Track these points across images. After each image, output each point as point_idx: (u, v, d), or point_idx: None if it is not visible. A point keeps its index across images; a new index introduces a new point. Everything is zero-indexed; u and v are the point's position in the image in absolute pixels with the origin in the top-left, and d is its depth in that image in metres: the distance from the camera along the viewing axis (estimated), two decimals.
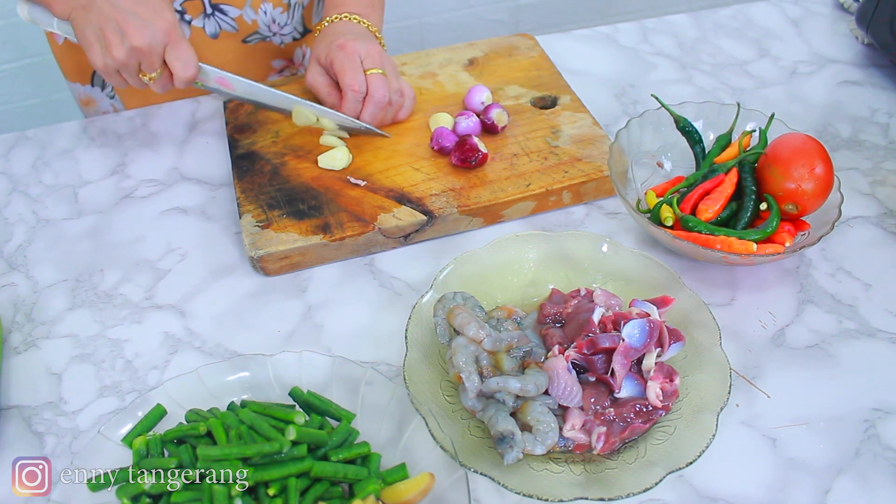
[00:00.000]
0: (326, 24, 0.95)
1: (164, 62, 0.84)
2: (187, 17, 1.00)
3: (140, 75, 0.85)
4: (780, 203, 0.76)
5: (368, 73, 0.89)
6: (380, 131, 0.91)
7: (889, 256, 0.81)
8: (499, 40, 1.06)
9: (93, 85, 1.09)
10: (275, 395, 0.65)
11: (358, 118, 0.90)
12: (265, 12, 1.04)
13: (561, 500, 0.57)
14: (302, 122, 0.92)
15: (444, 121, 0.91)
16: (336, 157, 0.86)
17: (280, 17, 1.06)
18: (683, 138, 0.85)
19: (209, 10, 1.01)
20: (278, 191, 0.84)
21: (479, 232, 0.84)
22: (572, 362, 0.65)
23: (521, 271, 0.76)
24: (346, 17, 0.95)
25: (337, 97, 0.91)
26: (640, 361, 0.65)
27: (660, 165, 0.87)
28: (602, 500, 0.57)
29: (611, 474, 0.60)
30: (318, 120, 0.91)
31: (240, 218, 0.82)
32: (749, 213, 0.78)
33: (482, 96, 0.92)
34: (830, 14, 1.18)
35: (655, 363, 0.65)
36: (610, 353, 0.65)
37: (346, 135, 0.91)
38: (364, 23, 0.96)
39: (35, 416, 0.69)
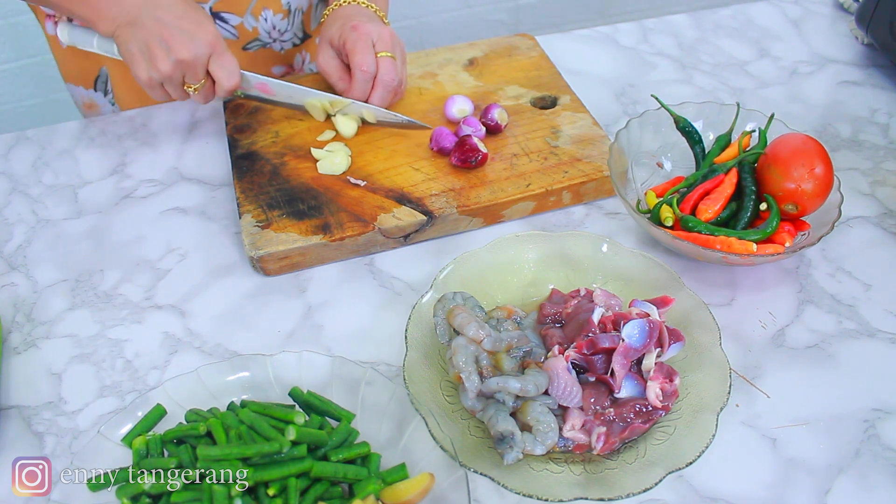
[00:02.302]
0: (335, 7, 0.97)
1: (208, 73, 0.86)
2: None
3: (184, 87, 0.86)
4: (780, 203, 0.76)
5: (379, 55, 0.91)
6: (421, 123, 0.92)
7: (889, 256, 0.81)
8: (499, 40, 1.06)
9: (95, 90, 1.09)
10: (275, 395, 0.65)
11: (366, 101, 0.92)
12: (266, 19, 1.04)
13: (561, 500, 0.57)
14: (319, 117, 0.93)
15: (461, 104, 0.93)
16: (335, 162, 0.86)
17: (280, 24, 1.06)
18: (683, 138, 0.85)
19: None
20: (278, 191, 0.84)
21: (479, 232, 0.84)
22: (572, 362, 0.65)
23: (521, 271, 0.76)
24: (354, 1, 0.97)
25: (348, 81, 0.93)
26: (640, 361, 0.65)
27: (660, 165, 0.87)
28: (602, 500, 0.57)
29: (611, 474, 0.60)
30: (329, 113, 0.93)
31: (240, 218, 0.82)
32: (749, 214, 0.78)
33: (462, 105, 0.93)
34: (830, 14, 1.18)
35: (655, 363, 0.65)
36: (610, 353, 0.65)
37: (354, 126, 0.92)
38: (372, 7, 0.98)
39: (35, 416, 0.69)
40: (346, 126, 0.91)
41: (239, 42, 1.05)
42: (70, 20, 0.91)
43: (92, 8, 0.84)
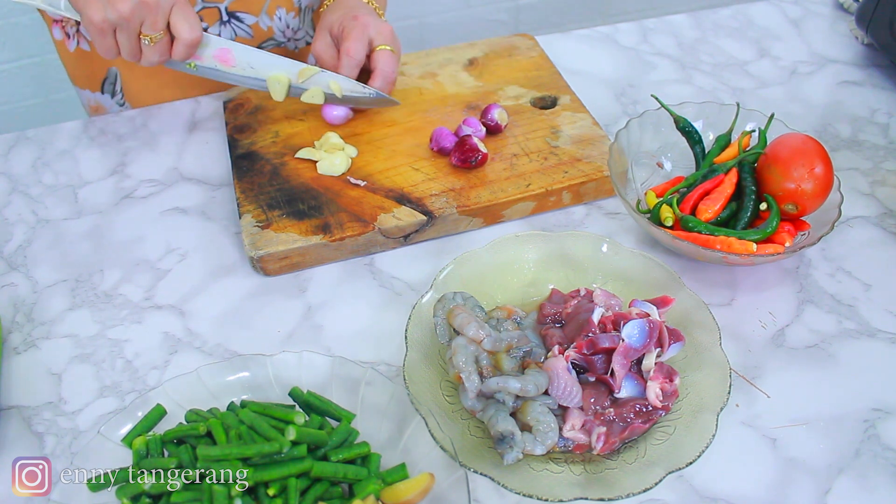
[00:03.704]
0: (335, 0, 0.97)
1: (167, 28, 0.82)
2: (203, 24, 1.00)
3: (140, 35, 0.81)
4: (780, 203, 0.76)
5: (379, 48, 0.91)
6: (390, 97, 0.91)
7: (889, 256, 0.81)
8: (499, 40, 1.06)
9: (102, 92, 1.09)
10: (275, 395, 0.65)
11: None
12: (280, 18, 1.04)
13: (561, 500, 0.57)
14: (278, 96, 0.91)
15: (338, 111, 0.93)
16: (335, 163, 0.86)
17: (293, 22, 1.07)
18: (683, 138, 0.85)
19: (225, 18, 1.01)
20: (278, 191, 0.85)
21: (479, 232, 0.84)
22: (572, 362, 0.65)
23: (521, 271, 0.76)
24: None
25: (337, 71, 0.92)
26: (639, 361, 0.65)
27: (660, 165, 0.87)
28: (602, 500, 0.57)
29: (611, 474, 0.60)
30: (293, 85, 0.91)
31: (240, 218, 0.82)
32: (749, 213, 0.78)
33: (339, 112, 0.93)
34: (830, 14, 1.18)
35: (655, 363, 0.65)
36: (610, 353, 0.65)
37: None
38: (373, 3, 0.98)
39: (35, 416, 0.69)
40: (315, 98, 0.89)
41: (253, 41, 1.05)
42: (58, 22, 0.89)
43: None
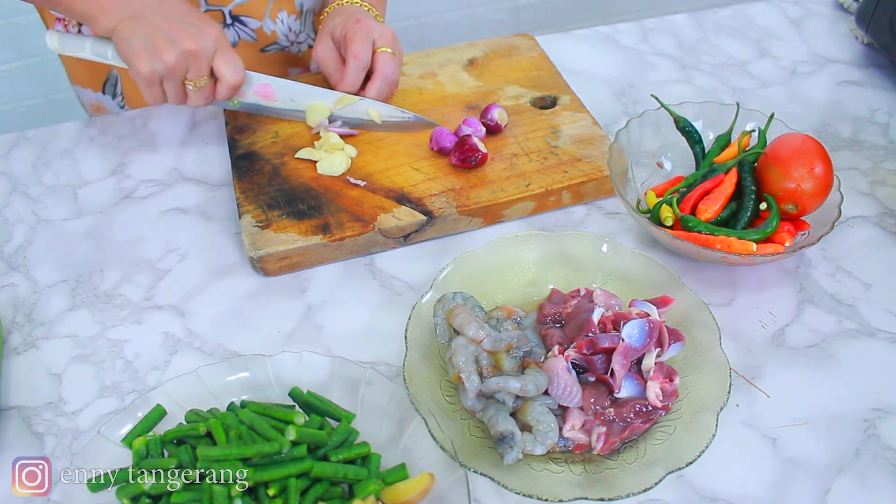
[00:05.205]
0: (336, 6, 0.99)
1: (210, 72, 0.85)
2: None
3: (185, 82, 0.84)
4: (780, 203, 0.76)
5: (379, 50, 0.92)
6: (429, 120, 0.92)
7: (889, 256, 0.81)
8: (499, 40, 1.06)
9: (104, 93, 1.09)
10: (275, 396, 0.65)
11: (357, 93, 0.92)
12: (282, 21, 1.05)
13: (561, 500, 0.57)
14: (314, 120, 0.91)
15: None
16: (335, 163, 0.86)
17: (294, 25, 1.07)
18: (683, 138, 0.85)
19: (229, 21, 1.01)
20: (278, 191, 0.85)
21: (479, 232, 0.84)
22: (572, 362, 0.65)
23: (521, 271, 0.76)
24: (356, 2, 0.98)
25: (343, 74, 0.93)
26: (639, 361, 0.66)
27: (660, 165, 0.87)
28: (602, 500, 0.57)
29: (611, 474, 0.60)
30: (332, 113, 0.92)
31: (239, 218, 0.82)
32: (749, 213, 0.78)
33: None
34: (830, 14, 1.18)
35: (655, 363, 0.65)
36: (610, 353, 0.65)
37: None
38: (373, 11, 0.99)
39: (35, 416, 0.69)
40: (332, 142, 0.89)
41: (257, 44, 1.05)
42: (61, 20, 0.90)
43: (95, 3, 0.83)
